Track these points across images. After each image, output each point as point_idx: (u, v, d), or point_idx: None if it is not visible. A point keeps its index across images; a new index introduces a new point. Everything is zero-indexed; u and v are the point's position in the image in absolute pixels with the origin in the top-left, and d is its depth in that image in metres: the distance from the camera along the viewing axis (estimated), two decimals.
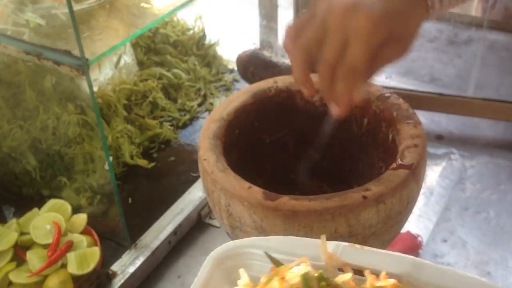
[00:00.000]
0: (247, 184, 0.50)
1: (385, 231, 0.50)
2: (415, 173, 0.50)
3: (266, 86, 0.63)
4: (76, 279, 0.62)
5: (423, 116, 0.90)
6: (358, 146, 0.64)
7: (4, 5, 0.63)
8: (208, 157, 0.54)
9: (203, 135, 0.57)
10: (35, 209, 0.69)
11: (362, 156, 0.64)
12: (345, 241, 0.48)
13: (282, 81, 0.64)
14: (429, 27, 1.15)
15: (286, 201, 0.48)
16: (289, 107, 0.64)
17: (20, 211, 0.73)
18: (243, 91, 0.63)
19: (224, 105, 0.61)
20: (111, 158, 0.66)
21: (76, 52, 0.55)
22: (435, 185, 0.78)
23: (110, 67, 0.88)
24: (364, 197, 0.47)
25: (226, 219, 0.52)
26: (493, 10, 1.07)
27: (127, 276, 0.65)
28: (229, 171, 0.52)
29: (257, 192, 0.49)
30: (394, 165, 0.51)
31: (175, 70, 0.95)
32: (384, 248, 0.54)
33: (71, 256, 0.62)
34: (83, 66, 0.55)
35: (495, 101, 0.85)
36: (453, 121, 0.89)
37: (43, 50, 0.58)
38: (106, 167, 0.64)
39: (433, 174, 0.80)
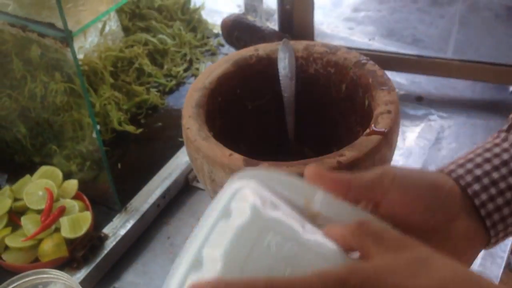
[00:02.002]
0: (228, 152, 0.52)
1: None
2: (387, 138, 0.53)
3: (247, 54, 0.65)
4: (69, 242, 0.65)
5: (404, 78, 0.93)
6: (337, 111, 0.66)
7: None
8: (191, 126, 0.56)
9: (186, 104, 0.59)
10: (27, 176, 0.72)
11: (341, 120, 0.66)
12: None
13: (263, 48, 0.66)
14: None
15: (266, 167, 0.50)
16: (270, 74, 0.65)
17: (13, 177, 0.75)
18: (225, 59, 0.65)
19: (206, 73, 0.63)
20: (98, 127, 0.68)
21: (59, 24, 0.56)
22: (414, 146, 0.82)
23: (96, 34, 0.89)
24: (339, 162, 0.50)
25: (210, 184, 0.55)
26: None
27: (118, 238, 0.68)
28: (211, 139, 0.54)
29: (238, 159, 0.52)
30: (367, 130, 0.53)
31: (160, 36, 0.96)
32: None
33: (64, 221, 0.65)
34: (67, 38, 0.57)
35: (473, 62, 0.87)
36: (433, 82, 0.92)
37: (27, 22, 0.59)
38: (94, 135, 0.66)
39: (412, 135, 0.83)
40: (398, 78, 0.92)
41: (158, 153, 0.80)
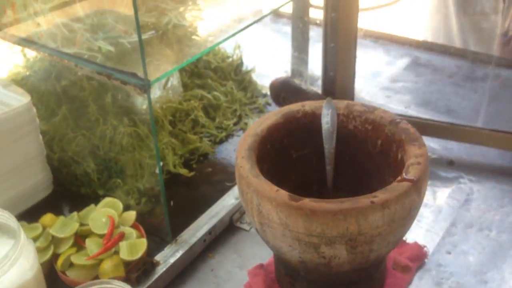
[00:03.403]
0: (275, 188, 0.60)
1: (389, 233, 0.59)
2: (417, 185, 0.60)
3: (295, 109, 0.74)
4: (126, 264, 0.72)
5: (437, 143, 1.00)
6: (372, 164, 0.74)
7: (81, 34, 0.76)
8: (244, 165, 0.64)
9: (240, 147, 0.68)
10: (92, 205, 0.81)
11: (376, 172, 0.74)
12: (355, 239, 0.58)
13: (309, 105, 0.75)
14: (448, 64, 1.25)
15: (307, 202, 0.58)
16: (313, 128, 0.74)
17: (78, 207, 0.84)
18: (275, 112, 0.74)
19: (259, 123, 0.72)
20: (158, 166, 0.77)
21: (140, 74, 0.67)
22: (444, 204, 0.87)
23: (159, 87, 1.01)
24: (372, 202, 0.57)
25: (257, 216, 0.62)
26: (507, 48, 1.16)
27: (168, 265, 0.75)
28: (261, 177, 0.62)
29: (283, 194, 0.59)
30: (399, 178, 0.60)
31: (214, 93, 1.07)
32: (389, 250, 0.64)
33: (123, 245, 0.73)
34: (145, 86, 0.67)
35: (502, 132, 0.93)
36: (464, 148, 0.98)
37: (113, 71, 0.70)
38: (156, 171, 0.75)
39: (442, 195, 0.89)
40: (431, 143, 0.99)
41: (206, 195, 0.89)
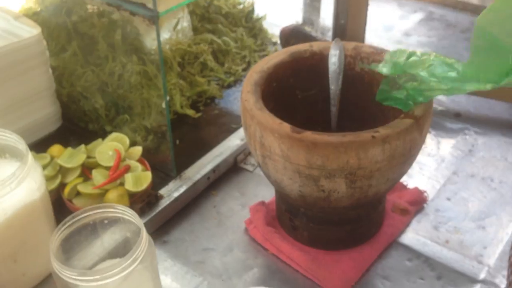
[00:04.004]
0: (278, 120, 0.61)
1: (389, 169, 0.60)
2: (419, 123, 0.60)
3: (302, 49, 0.74)
4: (131, 195, 0.74)
5: (445, 96, 1.00)
6: (377, 108, 0.74)
7: None
8: (249, 98, 0.65)
9: (246, 82, 0.68)
10: (99, 140, 0.82)
11: (381, 117, 0.74)
12: (354, 173, 0.59)
13: (317, 45, 0.75)
14: (462, 19, 1.23)
15: (309, 135, 0.59)
16: (320, 69, 0.74)
17: (86, 142, 0.86)
18: (283, 51, 0.74)
19: (266, 60, 0.72)
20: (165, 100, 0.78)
21: (150, 5, 0.67)
22: (447, 154, 0.88)
23: (169, 29, 1.01)
24: (373, 137, 0.58)
25: (259, 149, 0.63)
26: None
27: (172, 199, 0.77)
28: (265, 110, 0.63)
29: (286, 126, 0.60)
30: (402, 115, 0.61)
31: (224, 38, 1.07)
32: (388, 188, 0.65)
33: (128, 176, 0.75)
34: (154, 17, 0.67)
35: None
36: (472, 102, 0.98)
37: (122, 2, 0.70)
38: (162, 107, 0.76)
39: (447, 145, 0.89)
40: (439, 96, 0.99)
41: (212, 136, 0.90)
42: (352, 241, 0.71)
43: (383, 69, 0.65)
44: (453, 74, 0.56)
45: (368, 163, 0.58)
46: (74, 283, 0.56)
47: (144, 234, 0.59)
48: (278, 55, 0.73)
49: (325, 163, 0.58)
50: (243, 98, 0.66)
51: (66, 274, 0.56)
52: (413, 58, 0.61)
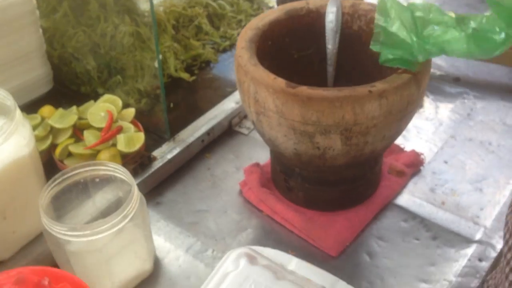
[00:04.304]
0: (272, 76, 0.60)
1: (385, 125, 0.59)
2: (417, 78, 0.59)
3: (298, 6, 0.72)
4: (123, 156, 0.73)
5: (444, 60, 0.98)
6: (375, 68, 0.72)
7: None
8: (243, 54, 0.63)
9: (241, 38, 0.66)
10: (92, 101, 0.81)
11: (378, 77, 0.72)
12: (350, 129, 0.58)
13: (313, 3, 0.73)
14: None
15: (304, 89, 0.57)
16: (317, 27, 0.72)
17: (78, 104, 0.84)
18: (278, 8, 0.72)
19: (261, 17, 0.70)
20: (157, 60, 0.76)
21: None
22: (445, 118, 0.86)
23: None
24: (370, 91, 0.56)
25: (253, 106, 0.62)
26: None
27: (165, 161, 0.76)
28: (259, 65, 0.61)
29: (280, 81, 0.59)
30: (399, 70, 0.59)
31: (220, 1, 1.04)
32: (385, 146, 0.64)
33: (120, 137, 0.74)
34: None
35: None
36: (471, 67, 0.96)
37: None
38: (155, 65, 0.75)
39: (445, 109, 0.88)
40: (438, 61, 0.97)
41: (207, 99, 0.88)
42: (348, 202, 0.70)
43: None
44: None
45: (364, 118, 0.57)
46: (65, 239, 0.55)
47: (136, 191, 0.59)
48: (273, 12, 0.71)
49: (320, 119, 0.57)
50: (237, 55, 0.64)
51: (55, 229, 0.55)
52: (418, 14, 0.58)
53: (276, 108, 0.59)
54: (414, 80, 0.58)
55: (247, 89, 0.61)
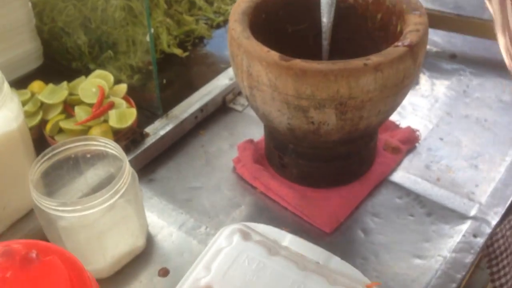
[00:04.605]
0: (266, 49, 0.58)
1: (381, 100, 0.58)
2: (413, 51, 0.58)
3: None
4: (115, 132, 0.72)
5: (440, 37, 0.97)
6: (370, 41, 0.71)
7: None
8: (236, 27, 0.62)
9: (233, 11, 0.65)
10: (83, 77, 0.79)
11: (374, 50, 0.71)
12: (345, 103, 0.57)
13: None
14: None
15: (298, 62, 0.56)
16: (312, 1, 0.71)
17: (68, 80, 0.83)
18: None
19: None
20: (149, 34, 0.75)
21: None
22: (441, 95, 0.85)
23: None
24: (365, 64, 0.55)
25: (246, 80, 0.60)
26: None
27: (158, 137, 0.75)
28: (252, 38, 0.60)
29: (274, 54, 0.57)
30: (395, 43, 0.58)
31: None
32: (380, 122, 0.63)
33: (112, 113, 0.72)
34: None
35: None
36: (468, 43, 0.95)
37: None
38: (147, 38, 0.73)
39: (441, 86, 0.87)
40: (435, 37, 0.96)
41: (200, 75, 0.87)
42: (342, 178, 0.70)
43: None
44: None
45: (359, 92, 0.56)
46: (55, 214, 0.55)
47: (127, 166, 0.58)
48: None
49: (314, 93, 0.56)
50: (230, 27, 0.63)
51: (46, 204, 0.54)
52: None
53: (270, 82, 0.58)
54: (410, 53, 0.57)
55: (240, 62, 0.60)
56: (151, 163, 0.75)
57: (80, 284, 0.34)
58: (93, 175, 0.66)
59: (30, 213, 0.64)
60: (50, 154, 0.58)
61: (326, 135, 0.61)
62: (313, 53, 0.72)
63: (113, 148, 0.59)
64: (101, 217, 0.57)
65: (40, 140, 0.72)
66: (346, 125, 0.59)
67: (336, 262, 0.58)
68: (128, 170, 0.58)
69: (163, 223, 0.67)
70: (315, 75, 0.55)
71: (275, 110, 0.60)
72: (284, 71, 0.56)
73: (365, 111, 0.58)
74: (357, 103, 0.57)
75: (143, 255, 0.64)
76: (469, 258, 0.62)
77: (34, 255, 0.35)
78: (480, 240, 0.64)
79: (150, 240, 0.65)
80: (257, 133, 0.78)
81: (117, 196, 0.56)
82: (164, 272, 0.62)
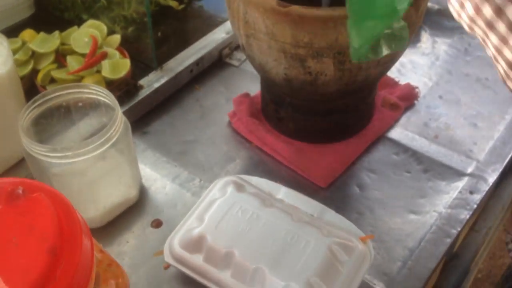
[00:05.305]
0: None
1: None
2: (416, 3, 0.56)
3: None
4: (108, 83, 0.71)
5: None
6: None
7: None
8: None
9: None
10: (75, 27, 0.77)
11: None
12: (344, 52, 0.55)
13: None
14: None
15: (296, 8, 0.54)
16: None
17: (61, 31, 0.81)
18: None
19: None
20: None
21: None
22: (442, 53, 0.84)
23: None
24: None
25: (243, 28, 0.59)
26: None
27: (152, 89, 0.73)
28: None
29: (271, 0, 0.55)
30: None
31: None
32: (378, 75, 0.61)
33: (105, 63, 0.71)
34: None
35: None
36: None
37: None
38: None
39: (442, 44, 0.85)
40: None
41: (196, 28, 0.85)
42: (339, 134, 0.68)
43: None
44: None
45: None
46: (46, 161, 0.53)
47: (119, 113, 0.56)
48: None
49: (312, 40, 0.54)
50: None
51: (36, 150, 0.53)
52: None
53: (267, 29, 0.56)
54: (414, 1, 0.55)
55: (237, 9, 0.58)
56: (145, 116, 0.73)
57: (68, 221, 0.34)
58: (85, 125, 0.64)
59: (21, 163, 0.63)
60: (40, 101, 0.57)
61: (324, 86, 0.59)
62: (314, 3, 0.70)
63: (105, 96, 0.58)
64: (93, 165, 0.56)
65: (31, 90, 0.71)
66: (344, 76, 0.58)
67: (330, 215, 0.58)
68: (120, 118, 0.56)
69: (157, 176, 0.67)
70: (314, 22, 0.53)
71: (272, 59, 0.58)
72: (282, 17, 0.54)
73: (364, 61, 0.57)
74: None
75: (136, 206, 0.63)
76: (464, 214, 0.62)
77: (20, 191, 0.34)
78: (477, 197, 0.63)
79: (143, 192, 0.65)
80: (254, 88, 0.76)
81: (108, 144, 0.55)
82: (157, 224, 0.62)
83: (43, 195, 0.35)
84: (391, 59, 0.61)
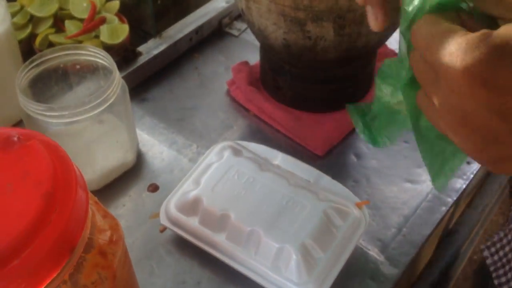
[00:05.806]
0: None
1: None
2: None
3: None
4: (107, 49, 0.70)
5: None
6: None
7: None
8: None
9: None
10: None
11: None
12: (344, 16, 0.55)
13: None
14: None
15: None
16: None
17: None
18: None
19: None
20: None
21: None
22: None
23: None
24: None
25: None
26: None
27: (150, 56, 0.73)
28: None
29: None
30: None
31: None
32: (378, 43, 0.61)
33: (103, 28, 0.70)
34: None
35: None
36: None
37: None
38: None
39: None
40: None
41: None
42: (337, 102, 0.68)
43: None
44: None
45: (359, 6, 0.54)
46: (43, 120, 0.53)
47: (117, 75, 0.56)
48: None
49: (312, 3, 0.54)
50: None
51: (33, 109, 0.53)
52: None
53: None
54: None
55: None
56: (143, 83, 0.73)
57: (63, 168, 0.34)
58: (83, 88, 0.64)
59: (18, 125, 0.63)
60: (38, 61, 0.57)
61: (323, 52, 0.59)
62: None
63: (103, 57, 0.57)
64: (90, 127, 0.56)
65: (29, 54, 0.70)
66: (344, 41, 0.58)
67: (327, 181, 0.58)
68: (118, 80, 0.56)
69: (154, 141, 0.67)
70: None
71: (271, 23, 0.58)
72: None
73: (364, 27, 0.56)
74: (356, 17, 0.55)
75: (133, 170, 0.63)
76: (460, 183, 0.62)
77: (15, 138, 0.34)
78: (474, 167, 0.63)
79: (140, 157, 0.65)
80: (253, 58, 0.76)
81: (105, 105, 0.55)
82: (153, 188, 0.62)
83: (38, 142, 0.34)
84: (392, 26, 0.60)
